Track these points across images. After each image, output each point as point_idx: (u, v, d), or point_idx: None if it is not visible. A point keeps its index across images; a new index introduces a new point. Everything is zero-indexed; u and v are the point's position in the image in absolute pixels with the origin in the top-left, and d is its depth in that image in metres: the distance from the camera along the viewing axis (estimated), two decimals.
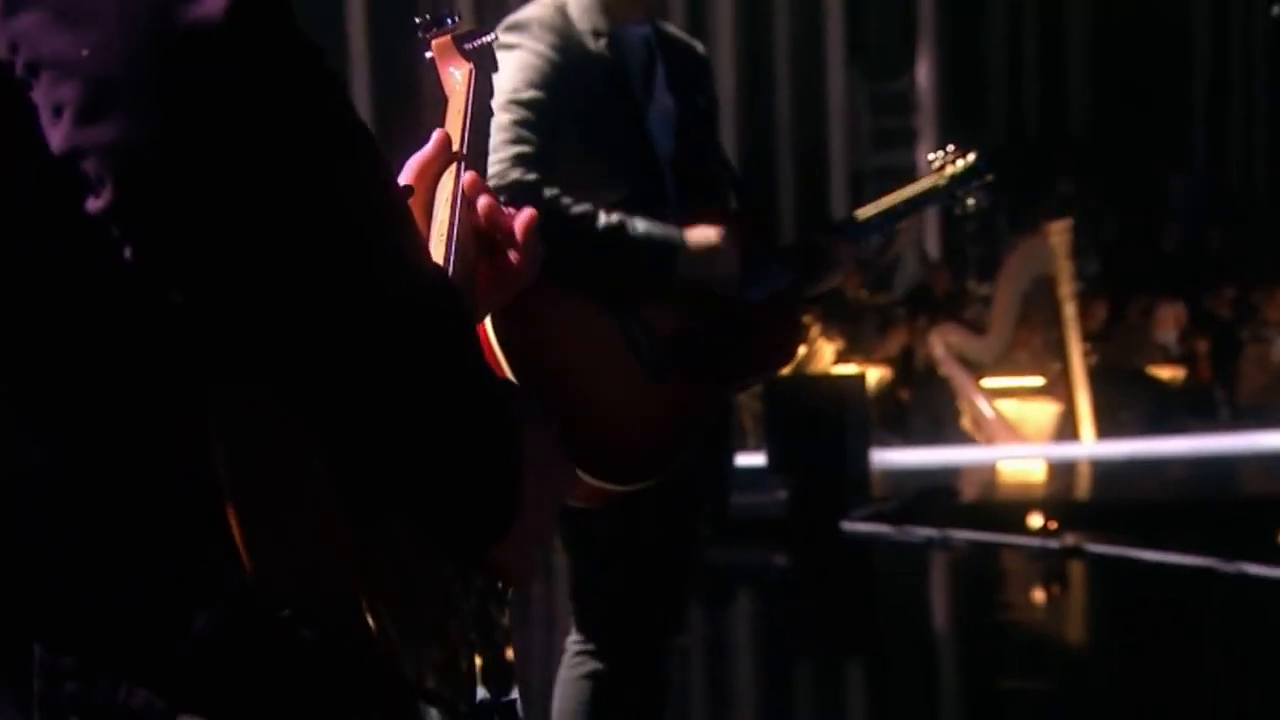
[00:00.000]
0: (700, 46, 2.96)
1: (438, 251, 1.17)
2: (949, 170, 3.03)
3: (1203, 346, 10.85)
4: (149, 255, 0.85)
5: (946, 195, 3.03)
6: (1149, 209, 14.61)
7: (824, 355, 10.13)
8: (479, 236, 1.25)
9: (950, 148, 3.09)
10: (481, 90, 1.42)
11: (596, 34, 2.67)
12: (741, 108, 13.86)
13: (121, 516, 0.90)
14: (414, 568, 0.97)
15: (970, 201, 3.08)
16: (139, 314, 0.90)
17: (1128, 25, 15.43)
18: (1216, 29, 16.41)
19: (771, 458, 7.94)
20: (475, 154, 1.32)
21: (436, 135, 1.27)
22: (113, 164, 0.83)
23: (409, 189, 1.21)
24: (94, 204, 0.84)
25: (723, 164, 2.90)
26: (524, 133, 2.56)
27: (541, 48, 2.62)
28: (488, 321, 2.50)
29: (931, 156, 3.08)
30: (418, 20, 1.49)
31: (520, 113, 2.56)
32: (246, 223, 0.84)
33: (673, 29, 2.92)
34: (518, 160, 2.54)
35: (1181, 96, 16.64)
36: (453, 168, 1.26)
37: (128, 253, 0.85)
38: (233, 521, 0.89)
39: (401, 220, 0.94)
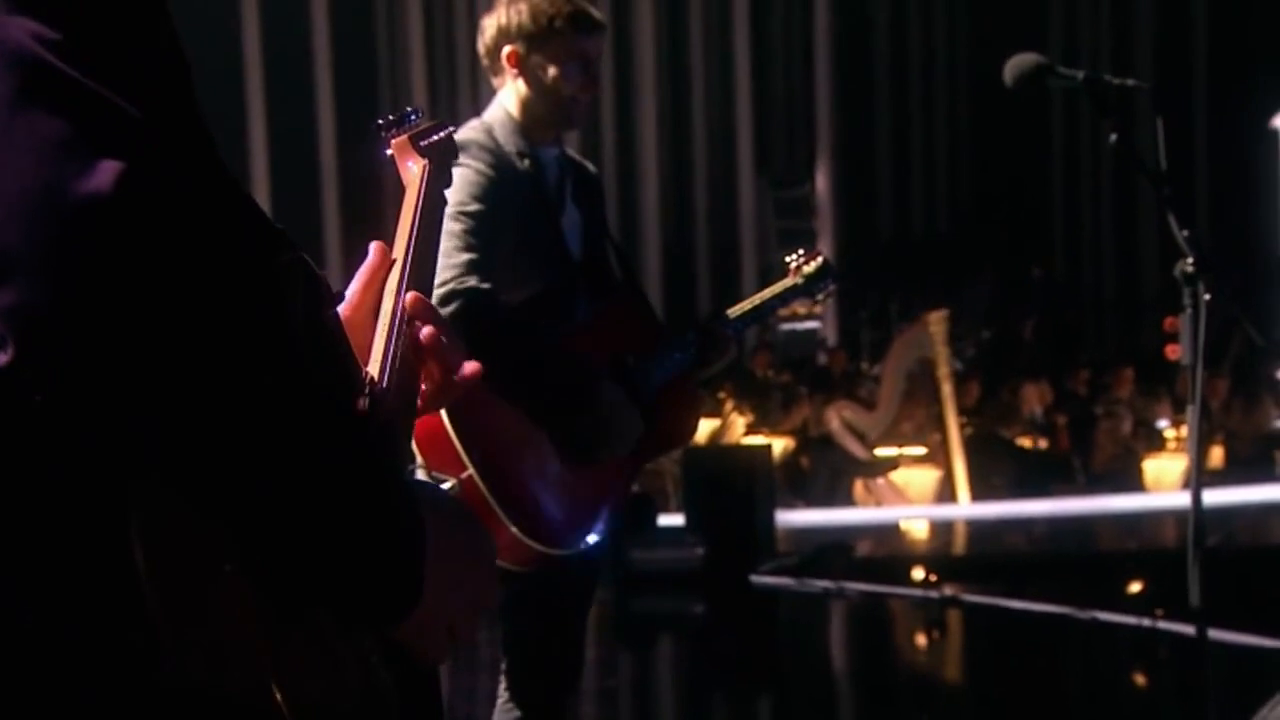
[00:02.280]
0: (593, 167, 3.03)
1: (379, 352, 1.12)
2: (804, 270, 3.13)
3: (1062, 420, 10.91)
4: (54, 399, 0.83)
5: (804, 292, 3.12)
6: (1014, 300, 14.78)
7: (736, 428, 10.14)
8: (418, 352, 1.18)
9: (801, 252, 3.19)
10: (436, 183, 1.38)
11: (520, 155, 2.75)
12: (665, 210, 13.94)
13: (51, 619, 0.87)
14: (333, 645, 0.94)
15: (820, 297, 3.18)
16: (57, 439, 0.87)
17: (996, 142, 15.71)
18: (1069, 148, 16.72)
19: (689, 518, 7.92)
20: (428, 242, 1.27)
21: (375, 247, 1.22)
22: (13, 326, 0.81)
23: (340, 295, 1.16)
24: (2, 359, 0.82)
25: (616, 265, 2.97)
26: (473, 240, 2.60)
27: (481, 166, 2.68)
28: (446, 417, 2.52)
29: (788, 259, 3.17)
30: (380, 120, 1.44)
31: (468, 223, 2.61)
32: (139, 372, 0.82)
33: (573, 152, 2.99)
34: (472, 267, 2.57)
35: (1042, 203, 16.91)
36: (398, 269, 1.20)
37: (37, 397, 0.83)
38: (150, 607, 0.87)
39: (293, 340, 0.89)
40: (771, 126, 15.58)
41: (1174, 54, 16.14)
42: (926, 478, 9.97)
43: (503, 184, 2.68)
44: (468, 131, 2.75)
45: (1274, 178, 16.02)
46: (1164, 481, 9.99)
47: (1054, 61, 2.91)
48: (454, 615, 1.00)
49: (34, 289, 0.80)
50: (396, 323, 1.14)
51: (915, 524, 9.52)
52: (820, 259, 3.15)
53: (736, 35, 13.90)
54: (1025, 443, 10.73)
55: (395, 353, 1.11)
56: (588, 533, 2.67)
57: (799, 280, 3.11)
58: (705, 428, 10.13)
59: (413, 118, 1.44)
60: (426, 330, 1.15)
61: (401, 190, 1.35)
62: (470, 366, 1.19)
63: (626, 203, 13.71)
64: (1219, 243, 14.52)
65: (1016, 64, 2.94)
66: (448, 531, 0.99)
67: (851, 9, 15.68)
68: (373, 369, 1.09)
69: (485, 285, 2.56)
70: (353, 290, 1.18)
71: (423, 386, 1.18)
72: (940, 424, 9.96)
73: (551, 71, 2.79)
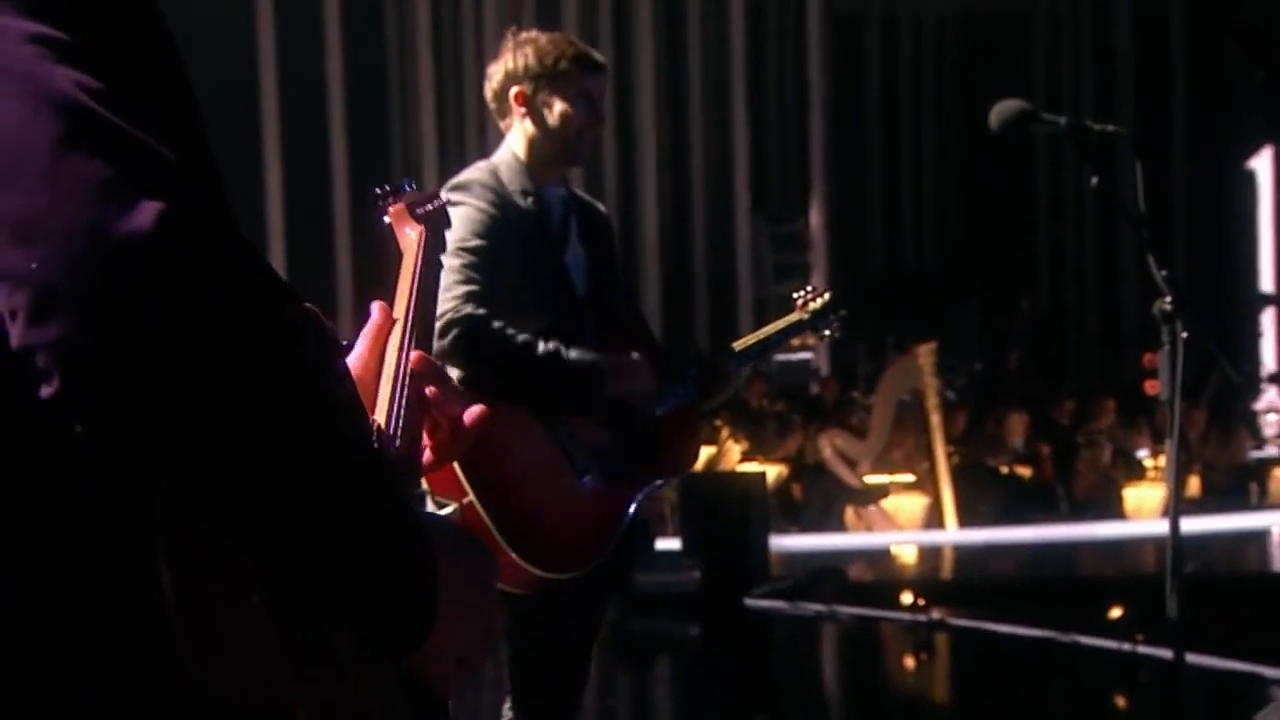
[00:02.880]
0: (602, 207, 3.06)
1: (384, 404, 1.13)
2: (811, 306, 3.14)
3: (1046, 450, 10.89)
4: (94, 430, 0.84)
5: (809, 328, 3.15)
6: (1001, 333, 14.81)
7: (732, 455, 10.13)
8: (424, 406, 1.20)
9: (810, 287, 3.20)
10: (432, 248, 1.39)
11: (524, 193, 2.78)
12: (665, 243, 13.98)
13: (81, 639, 0.88)
14: (352, 669, 0.95)
15: (826, 333, 3.19)
16: (93, 467, 0.87)
17: (984, 182, 15.76)
18: (1054, 187, 16.78)
19: (686, 543, 7.91)
20: (426, 302, 1.29)
21: (378, 307, 1.23)
22: (58, 359, 0.81)
23: (348, 345, 1.17)
24: (45, 391, 0.82)
25: (622, 300, 2.99)
26: (472, 274, 2.63)
27: (482, 204, 2.71)
28: None
29: (796, 295, 3.19)
30: (378, 190, 1.47)
31: (468, 258, 2.64)
32: (180, 404, 0.83)
33: (581, 192, 3.02)
34: (469, 297, 2.61)
35: (1027, 239, 16.96)
36: (400, 328, 1.22)
37: (78, 427, 0.84)
38: (181, 648, 0.88)
39: (316, 380, 0.90)
40: (767, 165, 15.65)
41: (1154, 99, 16.21)
42: (915, 504, 9.96)
43: (505, 221, 2.71)
44: (471, 172, 2.79)
45: (1250, 217, 16.07)
46: (1144, 510, 9.98)
47: (1038, 107, 2.94)
48: (464, 646, 1.00)
49: (80, 324, 0.81)
50: (400, 378, 1.15)
51: (904, 549, 9.50)
52: (828, 295, 3.16)
53: (734, 78, 13.96)
54: (1010, 471, 10.72)
55: (400, 405, 1.13)
56: (591, 557, 2.67)
57: (805, 316, 3.13)
58: (702, 455, 10.13)
59: (407, 187, 1.47)
60: (431, 389, 1.18)
61: (399, 254, 1.37)
62: (472, 414, 1.21)
63: (628, 236, 13.75)
64: (1197, 280, 14.55)
65: (1001, 110, 2.96)
66: (457, 563, 0.99)
67: (845, 55, 15.76)
68: (379, 419, 1.11)
69: (481, 311, 2.59)
70: (359, 348, 1.19)
71: (429, 441, 1.20)
72: (929, 453, 9.95)
73: (557, 109, 2.82)
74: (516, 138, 2.86)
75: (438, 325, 2.59)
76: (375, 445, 0.97)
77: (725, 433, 10.26)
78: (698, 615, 7.39)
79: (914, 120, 17.50)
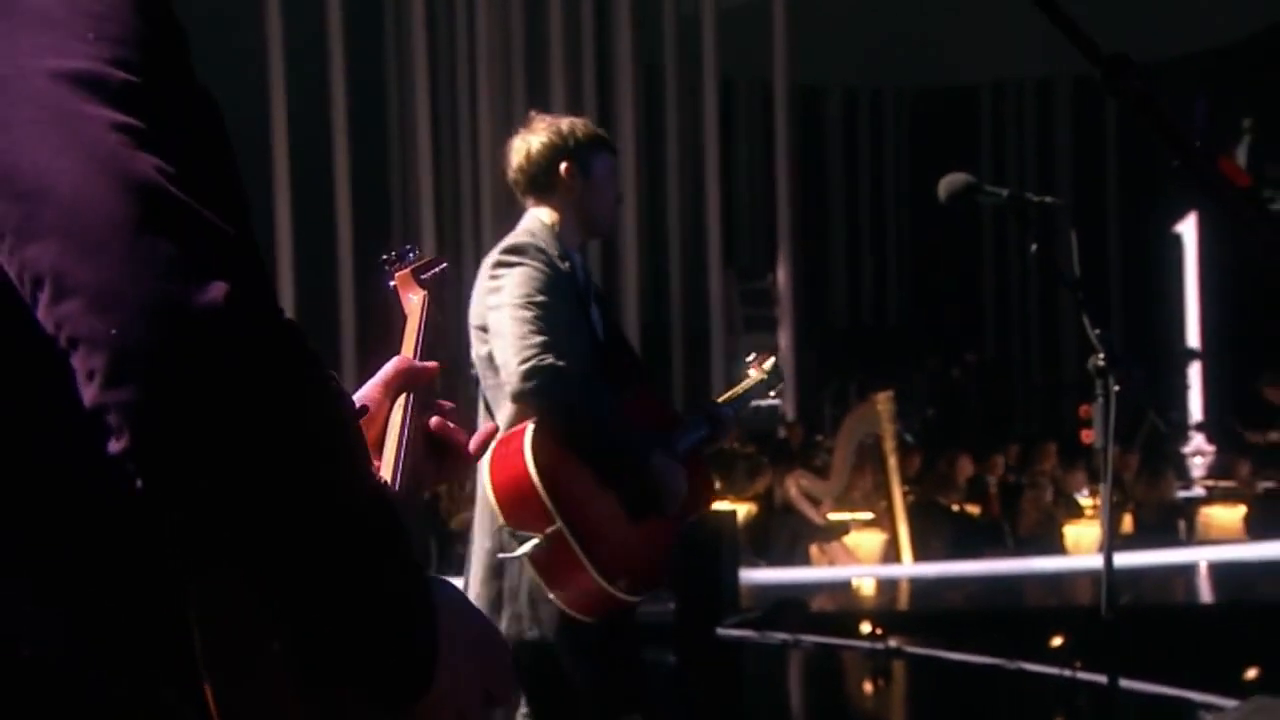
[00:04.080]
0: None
1: (390, 451, 1.14)
2: (765, 367, 3.21)
3: (993, 490, 10.94)
4: (155, 487, 0.84)
5: (765, 387, 3.22)
6: (952, 382, 14.88)
7: None
8: (429, 437, 1.21)
9: (753, 354, 3.30)
10: (434, 311, 1.40)
11: (561, 257, 2.83)
12: (644, 299, 14.03)
13: (118, 681, 0.88)
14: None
15: (774, 393, 3.28)
16: (140, 524, 0.88)
17: (936, 246, 15.89)
18: (999, 251, 16.91)
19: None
20: (426, 359, 1.29)
21: (398, 360, 1.24)
22: (129, 419, 0.82)
23: (364, 409, 1.18)
24: (114, 446, 0.83)
25: (630, 353, 3.06)
26: (543, 325, 2.68)
27: (540, 264, 2.76)
28: (535, 477, 2.58)
29: (748, 358, 3.27)
30: (384, 256, 1.46)
31: (537, 310, 2.69)
32: (232, 466, 0.84)
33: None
34: (546, 347, 2.65)
35: (975, 297, 17.07)
36: (411, 378, 1.22)
37: (139, 484, 0.84)
38: (207, 690, 0.88)
39: (348, 450, 0.91)
40: (738, 226, 15.76)
41: (1090, 169, 16.40)
42: (874, 540, 9.96)
43: (556, 279, 2.76)
44: (521, 238, 2.84)
45: (1178, 278, 16.24)
46: (1082, 545, 10.00)
47: (984, 175, 3.00)
48: (463, 703, 0.99)
49: (152, 387, 0.82)
50: (405, 433, 1.16)
51: (864, 582, 9.50)
52: (773, 359, 3.24)
53: (707, 145, 14.08)
54: (961, 509, 10.74)
55: (405, 459, 1.14)
56: (656, 584, 2.74)
57: (764, 376, 3.20)
58: None
59: (411, 254, 1.47)
60: (435, 420, 1.20)
61: (403, 316, 1.39)
62: (476, 441, 1.23)
63: (610, 292, 13.82)
64: (1131, 335, 14.68)
65: (949, 183, 3.01)
66: (460, 624, 0.99)
67: (809, 124, 15.90)
68: (385, 473, 1.12)
69: (561, 362, 2.64)
70: (370, 395, 1.21)
71: (437, 466, 1.21)
72: (886, 492, 9.94)
73: (594, 186, 2.88)
74: (545, 210, 2.90)
75: (520, 369, 2.64)
76: (387, 497, 0.97)
77: None
78: (672, 644, 7.36)
79: (873, 185, 17.66)
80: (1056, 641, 6.82)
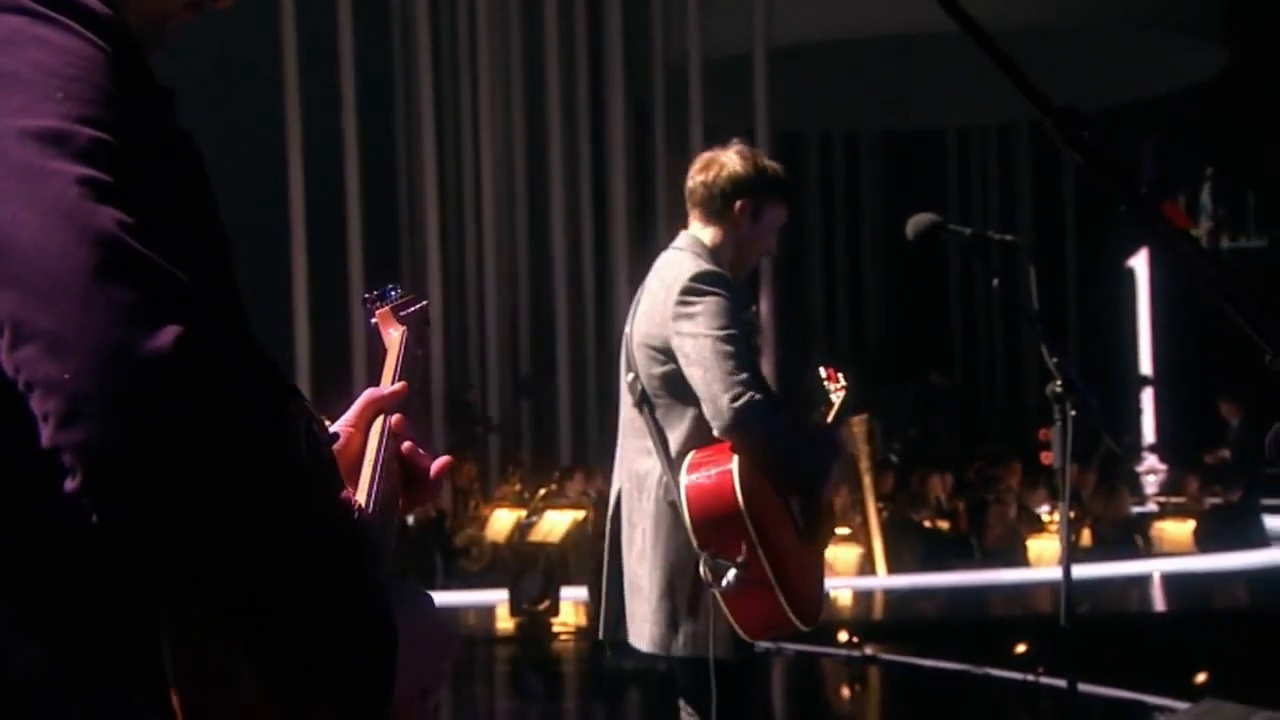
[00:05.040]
0: None
1: (365, 477, 1.13)
2: (841, 382, 3.15)
3: (962, 506, 10.94)
4: (108, 519, 0.83)
5: (850, 408, 3.17)
6: (922, 405, 14.90)
7: None
8: (402, 464, 1.20)
9: (825, 373, 3.20)
10: (412, 346, 1.38)
11: (737, 284, 2.76)
12: None
13: (92, 697, 0.87)
14: None
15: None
16: (106, 552, 0.87)
17: (907, 275, 15.95)
18: (966, 280, 16.98)
19: None
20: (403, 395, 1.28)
21: (367, 393, 1.22)
22: (81, 458, 0.81)
23: (334, 436, 1.16)
24: (70, 485, 0.82)
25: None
26: (742, 359, 2.60)
27: (728, 294, 2.67)
28: (744, 507, 2.54)
29: (831, 385, 3.18)
30: (366, 295, 1.44)
31: (732, 346, 2.60)
32: (182, 499, 0.82)
33: None
34: (748, 384, 2.56)
35: (943, 326, 17.13)
36: (381, 416, 1.21)
37: (94, 518, 0.83)
38: (175, 703, 0.87)
39: (307, 477, 0.89)
40: None
41: (1048, 211, 16.49)
42: (850, 554, 9.94)
43: (737, 309, 2.69)
44: (709, 265, 2.72)
45: (1131, 309, 16.32)
46: (1044, 558, 10.00)
47: (950, 213, 3.03)
48: (425, 679, 0.98)
49: (102, 429, 0.80)
50: (380, 460, 1.15)
51: (841, 593, 9.45)
52: (841, 374, 3.16)
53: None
54: (932, 524, 10.74)
55: (379, 480, 1.13)
56: (818, 612, 2.68)
57: (843, 391, 3.13)
58: None
59: (393, 293, 1.45)
60: (406, 444, 1.18)
61: (383, 350, 1.38)
62: (438, 466, 1.21)
63: (601, 323, 13.88)
64: (1087, 363, 14.73)
65: (916, 222, 3.03)
66: (408, 608, 0.97)
67: (788, 166, 15.92)
68: (360, 497, 1.11)
69: (759, 396, 2.56)
70: (346, 426, 1.19)
71: (405, 490, 1.20)
72: (861, 508, 9.95)
73: (761, 231, 2.81)
74: (710, 235, 2.80)
75: (732, 405, 2.55)
76: (353, 522, 0.95)
77: None
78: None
79: (848, 222, 17.73)
80: (1020, 648, 6.82)
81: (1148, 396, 15.81)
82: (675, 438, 2.70)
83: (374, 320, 1.42)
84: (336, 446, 1.15)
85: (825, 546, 2.83)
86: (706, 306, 2.61)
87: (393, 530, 1.15)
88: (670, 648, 2.73)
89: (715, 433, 2.63)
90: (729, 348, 2.57)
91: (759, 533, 2.52)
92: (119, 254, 0.82)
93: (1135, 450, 14.19)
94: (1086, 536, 10.32)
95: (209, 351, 0.83)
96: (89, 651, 0.87)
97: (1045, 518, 10.65)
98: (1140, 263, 16.13)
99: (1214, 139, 14.30)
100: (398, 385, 1.23)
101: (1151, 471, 14.03)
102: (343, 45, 12.56)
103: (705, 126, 13.83)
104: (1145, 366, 16.14)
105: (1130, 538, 10.66)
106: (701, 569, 2.59)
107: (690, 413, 2.68)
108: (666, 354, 2.70)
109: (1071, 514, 3.08)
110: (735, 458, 2.59)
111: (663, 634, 2.73)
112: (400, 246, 14.05)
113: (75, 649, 0.87)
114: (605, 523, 2.89)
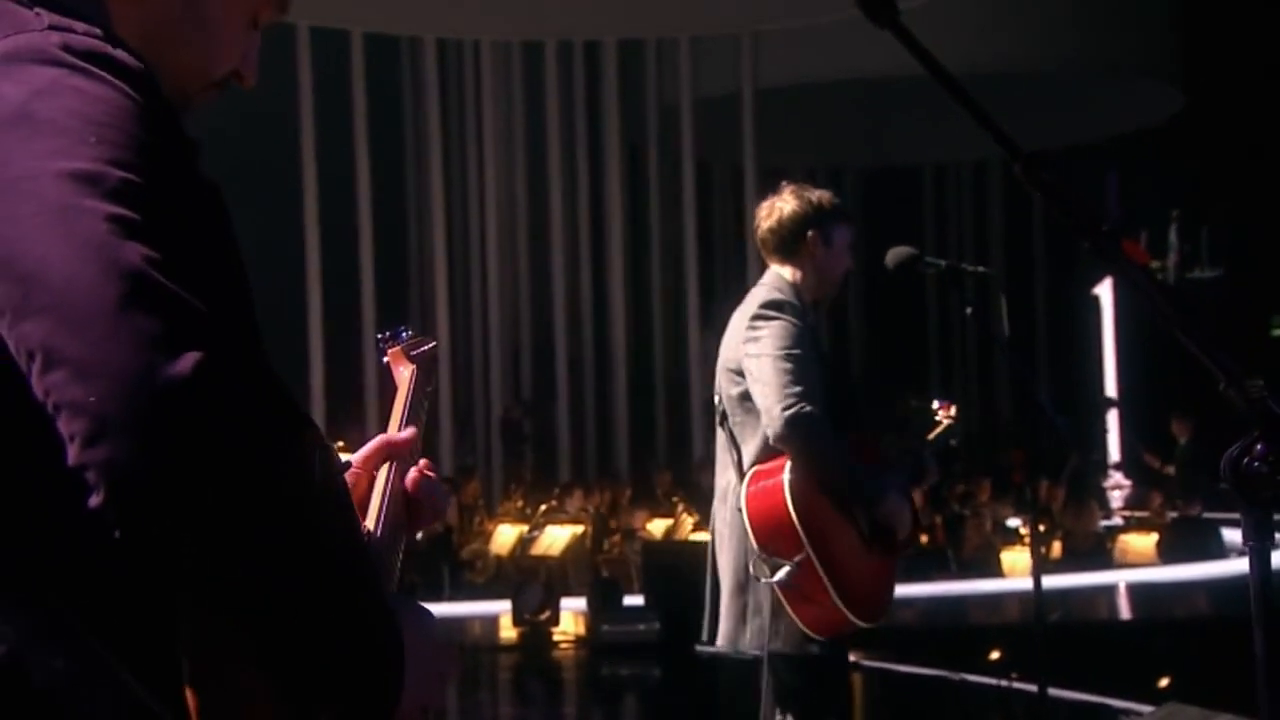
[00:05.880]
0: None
1: (374, 506, 1.13)
2: (952, 412, 3.19)
3: (939, 520, 10.95)
4: (129, 534, 0.84)
5: (951, 433, 3.20)
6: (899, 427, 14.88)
7: (686, 526, 10.10)
8: (407, 495, 1.18)
9: (938, 402, 3.24)
10: (422, 384, 1.36)
11: (805, 313, 2.82)
12: (630, 356, 14.07)
13: (110, 700, 0.88)
14: None
15: (953, 440, 3.25)
16: (126, 563, 0.87)
17: (887, 305, 15.99)
18: (942, 308, 17.02)
19: (648, 598, 7.85)
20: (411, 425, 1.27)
21: (378, 439, 1.21)
22: (105, 476, 0.82)
23: (347, 464, 1.15)
24: (93, 500, 0.83)
25: (850, 395, 3.05)
26: (800, 375, 2.67)
27: (795, 319, 2.76)
28: (792, 512, 2.60)
29: (936, 405, 3.23)
30: (379, 336, 1.43)
31: (793, 364, 2.67)
32: (198, 516, 0.83)
33: None
34: (803, 396, 2.64)
35: (921, 350, 17.16)
36: (398, 452, 1.19)
37: (117, 533, 0.84)
38: (190, 703, 0.87)
39: (319, 498, 0.89)
40: (714, 291, 15.78)
41: (1019, 243, 16.56)
42: None
43: (804, 334, 2.76)
44: (778, 294, 2.82)
45: (1097, 335, 16.37)
46: (1017, 569, 9.97)
47: (926, 245, 3.06)
48: (426, 695, 0.97)
49: (126, 448, 0.81)
50: (388, 490, 1.15)
51: None
52: (954, 406, 3.21)
53: (686, 222, 14.18)
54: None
55: (388, 512, 1.13)
56: (885, 612, 2.73)
57: (952, 421, 3.17)
58: (660, 526, 10.10)
59: (403, 334, 1.44)
60: (411, 475, 1.18)
61: (393, 388, 1.38)
62: (411, 478, 1.19)
63: (600, 352, 13.92)
64: (1056, 387, 14.77)
65: (894, 254, 3.05)
66: (414, 623, 0.97)
67: None
68: (369, 524, 1.12)
69: (812, 409, 2.62)
70: (356, 462, 1.20)
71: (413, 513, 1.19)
72: None
73: (836, 253, 2.88)
74: (788, 270, 2.88)
75: (783, 414, 2.61)
76: (362, 545, 0.95)
77: (681, 507, 10.23)
78: (657, 660, 7.33)
79: None
80: (994, 655, 6.82)
81: (1113, 417, 15.84)
82: (748, 452, 2.78)
83: (385, 359, 1.41)
84: (349, 475, 1.15)
85: (896, 554, 2.85)
86: (772, 330, 2.71)
87: (399, 553, 1.15)
88: (738, 643, 2.81)
89: (770, 440, 2.70)
90: (788, 365, 2.65)
91: (811, 538, 2.58)
92: (144, 286, 0.84)
93: (1102, 467, 14.20)
94: (1057, 549, 10.31)
95: (227, 377, 0.84)
96: (108, 657, 0.88)
97: (1019, 530, 10.65)
98: (1105, 291, 16.21)
99: (1171, 175, 14.39)
100: (409, 432, 1.22)
101: (1117, 487, 14.05)
102: (356, 95, 12.63)
103: (696, 164, 13.91)
104: (1110, 389, 16.18)
105: (1097, 550, 10.65)
106: (751, 566, 2.67)
107: (761, 429, 2.76)
108: (740, 375, 2.80)
109: (1042, 528, 3.09)
110: (787, 469, 2.66)
111: (732, 629, 2.81)
112: (410, 284, 14.07)
113: (96, 655, 0.88)
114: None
